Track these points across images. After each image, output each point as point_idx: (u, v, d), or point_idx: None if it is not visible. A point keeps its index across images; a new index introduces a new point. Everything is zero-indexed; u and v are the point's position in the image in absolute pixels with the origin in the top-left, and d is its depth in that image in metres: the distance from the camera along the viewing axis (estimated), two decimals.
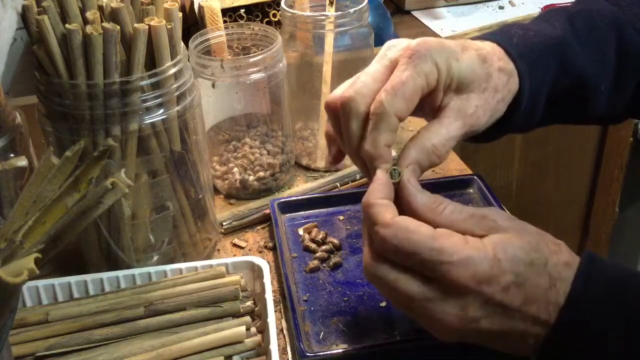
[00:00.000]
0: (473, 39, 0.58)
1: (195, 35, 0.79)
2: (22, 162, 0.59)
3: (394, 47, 0.54)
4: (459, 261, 0.44)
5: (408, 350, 0.57)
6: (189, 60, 0.67)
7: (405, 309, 0.48)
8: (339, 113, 0.53)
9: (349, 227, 0.74)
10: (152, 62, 0.59)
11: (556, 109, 0.62)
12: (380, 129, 0.50)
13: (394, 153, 0.85)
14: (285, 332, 0.63)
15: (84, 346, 0.56)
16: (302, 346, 0.56)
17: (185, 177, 0.66)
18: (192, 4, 1.05)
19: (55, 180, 0.47)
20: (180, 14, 0.61)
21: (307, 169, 0.88)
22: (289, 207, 0.76)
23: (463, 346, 0.51)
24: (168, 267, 0.63)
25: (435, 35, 1.30)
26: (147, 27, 0.57)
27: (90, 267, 0.68)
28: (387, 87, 0.50)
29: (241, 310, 0.59)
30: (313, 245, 0.70)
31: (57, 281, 0.62)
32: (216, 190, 0.83)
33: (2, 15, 1.11)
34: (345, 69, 0.83)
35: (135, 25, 0.57)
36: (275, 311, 0.62)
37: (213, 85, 0.77)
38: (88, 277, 0.62)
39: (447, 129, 0.52)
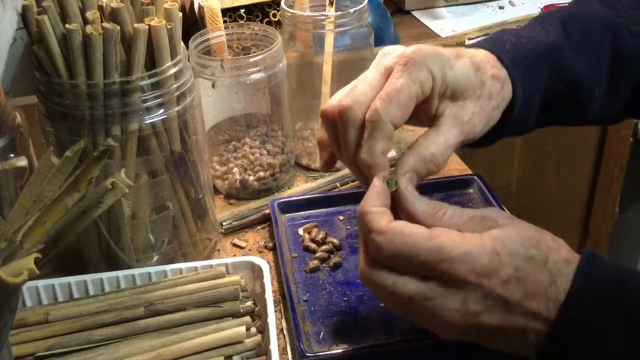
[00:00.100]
0: (466, 47, 0.58)
1: (195, 35, 0.79)
2: (22, 162, 0.59)
3: (389, 54, 0.54)
4: (459, 256, 0.44)
5: (408, 350, 0.57)
6: (189, 60, 0.67)
7: (404, 311, 0.48)
8: (337, 122, 0.53)
9: (349, 227, 0.74)
10: (152, 62, 0.59)
11: (550, 113, 0.62)
12: (376, 136, 0.50)
13: (394, 153, 0.86)
14: (285, 332, 0.63)
15: (84, 346, 0.56)
16: (302, 346, 0.56)
17: (185, 177, 0.66)
18: (192, 4, 1.05)
19: (55, 180, 0.47)
20: (180, 14, 0.61)
21: (307, 169, 0.88)
22: (289, 207, 0.76)
23: (463, 346, 0.51)
24: (168, 267, 0.63)
25: (435, 35, 1.30)
26: (147, 27, 0.57)
27: (90, 267, 0.68)
28: (381, 94, 0.51)
29: (241, 310, 0.59)
30: (313, 245, 0.70)
31: (57, 281, 0.62)
32: (216, 190, 0.83)
33: (2, 15, 1.11)
34: (345, 69, 0.84)
35: (135, 25, 0.57)
36: (275, 311, 0.62)
37: (213, 85, 0.77)
38: (88, 277, 0.62)
39: (445, 136, 0.52)
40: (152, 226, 0.66)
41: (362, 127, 0.51)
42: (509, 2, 1.44)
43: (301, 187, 0.84)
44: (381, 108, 0.50)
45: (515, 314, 0.45)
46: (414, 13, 1.41)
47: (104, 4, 0.58)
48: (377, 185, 0.50)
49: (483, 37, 0.62)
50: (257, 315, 0.61)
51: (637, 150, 1.48)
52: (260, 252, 0.73)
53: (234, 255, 0.73)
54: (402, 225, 0.46)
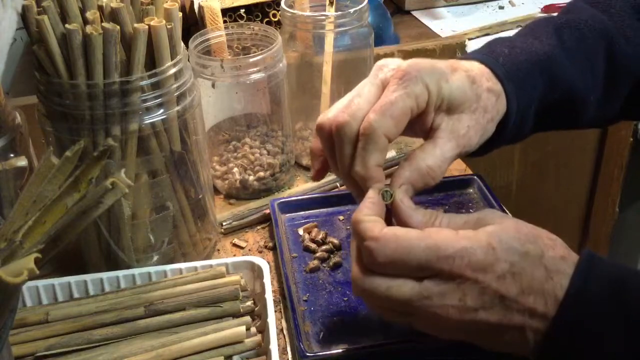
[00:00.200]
0: (460, 58, 0.58)
1: (195, 35, 0.79)
2: (22, 162, 0.59)
3: (385, 66, 0.54)
4: (455, 252, 0.45)
5: (408, 350, 0.57)
6: (189, 60, 0.67)
7: (400, 317, 0.48)
8: (333, 135, 0.53)
9: (349, 227, 0.74)
10: (152, 62, 0.59)
11: (546, 121, 0.62)
12: (369, 149, 0.51)
13: (393, 153, 0.86)
14: (285, 332, 0.63)
15: (84, 346, 0.56)
16: (302, 346, 0.56)
17: (185, 177, 0.66)
18: (192, 4, 1.05)
19: (55, 180, 0.47)
20: (180, 14, 0.61)
21: (307, 169, 0.88)
22: (289, 207, 0.76)
23: (463, 347, 0.51)
24: (168, 267, 0.63)
25: (435, 35, 1.30)
26: (147, 27, 0.57)
27: (90, 267, 0.68)
28: (375, 107, 0.51)
29: (241, 310, 0.59)
30: (313, 245, 0.70)
31: (57, 281, 0.62)
32: (216, 190, 0.83)
33: (2, 15, 1.11)
34: (345, 69, 0.84)
35: (135, 25, 0.57)
36: (275, 311, 0.62)
37: (213, 85, 0.77)
38: (88, 277, 0.62)
39: (442, 149, 0.52)
40: (152, 226, 0.66)
41: (357, 141, 0.52)
42: (509, 2, 1.44)
43: (301, 187, 0.84)
44: (375, 121, 0.50)
45: (512, 311, 0.45)
46: (414, 13, 1.41)
47: (104, 4, 0.58)
48: (372, 196, 0.50)
49: (476, 49, 0.62)
50: (257, 315, 0.61)
51: (637, 150, 1.47)
52: (260, 252, 0.73)
53: (234, 255, 0.73)
54: (395, 230, 0.47)
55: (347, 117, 0.51)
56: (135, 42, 0.57)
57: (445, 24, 1.35)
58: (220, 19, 0.90)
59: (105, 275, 0.62)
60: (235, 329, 0.57)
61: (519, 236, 0.46)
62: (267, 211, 0.77)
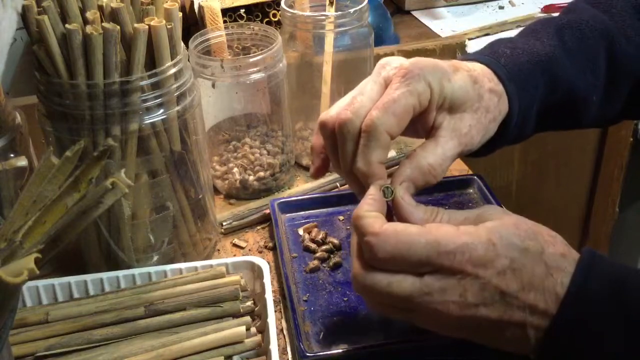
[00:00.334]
0: (462, 59, 0.58)
1: (195, 35, 0.79)
2: (22, 162, 0.59)
3: (388, 65, 0.54)
4: (455, 248, 0.45)
5: (408, 350, 0.57)
6: (189, 60, 0.67)
7: (400, 313, 0.48)
8: (336, 133, 0.53)
9: (349, 227, 0.74)
10: (152, 62, 0.59)
11: (547, 121, 0.62)
12: (372, 146, 0.51)
13: (393, 153, 0.86)
14: (285, 332, 0.63)
15: (84, 346, 0.56)
16: (302, 346, 0.56)
17: (185, 177, 0.66)
18: (192, 4, 1.05)
19: (55, 180, 0.47)
20: (180, 14, 0.61)
21: (307, 169, 0.88)
22: (289, 207, 0.76)
23: (463, 346, 0.51)
24: (168, 267, 0.63)
25: (435, 35, 1.30)
26: (147, 27, 0.57)
27: (90, 267, 0.68)
28: (378, 104, 0.51)
29: (241, 310, 0.59)
30: (313, 245, 0.70)
31: (57, 281, 0.62)
32: (216, 190, 0.83)
33: (2, 15, 1.11)
34: (345, 69, 0.84)
35: (135, 25, 0.57)
36: (275, 311, 0.62)
37: (213, 85, 0.77)
38: (88, 277, 0.62)
39: (443, 148, 0.52)
40: (152, 226, 0.66)
41: (359, 138, 0.52)
42: (509, 2, 1.44)
43: (301, 187, 0.84)
44: (377, 118, 0.50)
45: (512, 307, 0.45)
46: (414, 13, 1.41)
47: (104, 4, 0.58)
48: (373, 193, 0.50)
49: (478, 50, 0.62)
50: (257, 315, 0.61)
51: (637, 150, 1.47)
52: (260, 252, 0.73)
53: (234, 255, 0.73)
54: (395, 225, 0.47)
55: (350, 115, 0.51)
56: (135, 42, 0.57)
57: (445, 24, 1.35)
58: (220, 19, 0.90)
59: (105, 275, 0.62)
60: (235, 329, 0.57)
61: (519, 232, 0.46)
62: (267, 211, 0.77)
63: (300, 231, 0.73)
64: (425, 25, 1.36)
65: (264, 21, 1.03)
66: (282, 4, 0.82)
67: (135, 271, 0.63)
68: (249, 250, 0.74)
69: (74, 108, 0.58)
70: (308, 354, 0.55)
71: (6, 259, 0.42)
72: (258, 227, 0.78)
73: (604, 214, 1.51)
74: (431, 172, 0.51)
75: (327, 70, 0.82)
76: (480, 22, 1.34)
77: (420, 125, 0.54)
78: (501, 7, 1.42)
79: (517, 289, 0.45)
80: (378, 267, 0.46)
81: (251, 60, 0.75)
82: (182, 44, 0.63)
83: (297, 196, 0.78)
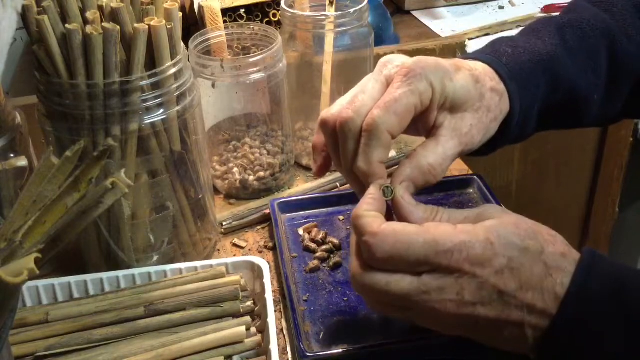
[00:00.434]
0: (463, 57, 0.58)
1: (195, 35, 0.79)
2: (22, 162, 0.59)
3: (390, 63, 0.54)
4: (453, 247, 0.45)
5: (408, 350, 0.57)
6: (189, 60, 0.67)
7: (399, 312, 0.48)
8: (337, 131, 0.53)
9: (349, 227, 0.74)
10: (152, 62, 0.59)
11: (548, 121, 0.62)
12: (373, 145, 0.50)
13: (393, 153, 0.86)
14: (285, 332, 0.63)
15: (84, 346, 0.56)
16: (302, 346, 0.56)
17: (185, 177, 0.66)
18: (192, 4, 1.05)
19: (55, 180, 0.47)
20: (180, 14, 0.61)
21: (307, 169, 0.88)
22: (289, 207, 0.76)
23: (463, 346, 0.51)
24: (168, 267, 0.63)
25: (435, 35, 1.30)
26: (147, 27, 0.57)
27: (90, 267, 0.68)
28: (379, 104, 0.51)
29: (241, 310, 0.59)
30: (313, 245, 0.70)
31: (57, 281, 0.62)
32: (216, 190, 0.83)
33: (2, 15, 1.11)
34: (345, 69, 0.84)
35: (135, 25, 0.57)
36: (275, 311, 0.62)
37: (213, 85, 0.77)
38: (88, 277, 0.62)
39: (444, 147, 0.52)
40: (152, 226, 0.66)
41: (360, 137, 0.52)
42: (509, 2, 1.44)
43: (301, 187, 0.84)
44: (378, 117, 0.50)
45: (510, 306, 0.45)
46: (414, 13, 1.41)
47: (104, 4, 0.58)
48: (373, 193, 0.50)
49: (479, 48, 0.62)
50: (257, 315, 0.61)
51: (637, 150, 1.47)
52: (260, 252, 0.73)
53: (234, 255, 0.73)
54: (394, 225, 0.47)
55: (351, 113, 0.51)
56: (135, 42, 0.57)
57: (445, 24, 1.35)
58: (220, 19, 0.90)
59: (105, 275, 0.62)
60: (235, 329, 0.57)
61: (519, 232, 0.46)
62: (267, 211, 0.77)
63: (300, 231, 0.73)
64: (425, 25, 1.36)
65: (264, 21, 1.03)
66: (282, 4, 0.82)
67: (135, 271, 0.63)
68: (249, 250, 0.74)
69: (74, 108, 0.58)
70: (308, 354, 0.55)
71: (6, 259, 0.42)
72: (258, 227, 0.78)
73: (604, 214, 1.51)
74: (431, 171, 0.51)
75: (327, 70, 0.82)
76: (480, 22, 1.34)
77: (421, 124, 0.54)
78: (501, 7, 1.43)
79: (515, 288, 0.45)
80: (377, 267, 0.46)
81: (251, 60, 0.75)
82: (182, 44, 0.63)
83: (297, 196, 0.78)
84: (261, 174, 0.81)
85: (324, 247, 0.70)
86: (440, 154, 0.52)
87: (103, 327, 0.57)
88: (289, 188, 0.84)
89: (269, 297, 0.59)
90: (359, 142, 0.52)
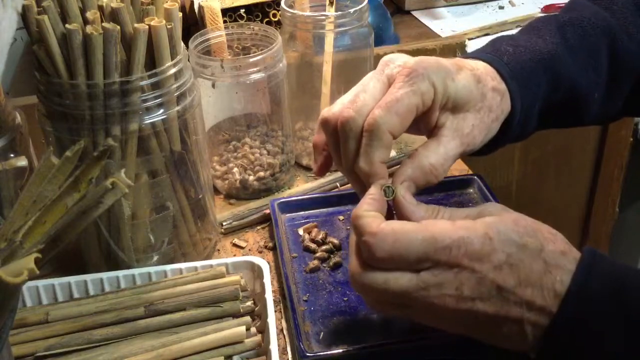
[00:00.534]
0: (465, 57, 0.58)
1: (195, 35, 0.79)
2: (22, 162, 0.59)
3: (392, 62, 0.54)
4: (452, 242, 0.45)
5: (408, 350, 0.57)
6: (189, 60, 0.67)
7: (398, 310, 0.48)
8: (338, 131, 0.53)
9: (349, 227, 0.74)
10: (152, 62, 0.59)
11: (549, 119, 0.62)
12: (374, 145, 0.50)
13: (393, 153, 0.86)
14: (285, 332, 0.63)
15: (84, 346, 0.56)
16: (302, 346, 0.56)
17: (185, 177, 0.66)
18: (192, 4, 1.05)
19: (55, 180, 0.47)
20: (180, 14, 0.61)
21: (307, 169, 0.88)
22: (289, 207, 0.76)
23: (463, 345, 0.51)
24: (168, 267, 0.63)
25: (435, 35, 1.30)
26: (147, 27, 0.57)
27: (90, 267, 0.68)
28: (381, 103, 0.51)
29: (241, 310, 0.59)
30: (313, 245, 0.70)
31: (57, 281, 0.62)
32: (216, 190, 0.83)
33: (2, 15, 1.11)
34: (345, 69, 0.84)
35: (135, 25, 0.57)
36: (275, 311, 0.62)
37: (213, 85, 0.77)
38: (88, 277, 0.62)
39: (445, 147, 0.52)
40: (152, 226, 0.66)
41: (362, 136, 0.52)
42: (509, 2, 1.44)
43: (301, 187, 0.84)
44: (380, 117, 0.50)
45: (509, 302, 0.45)
46: (414, 13, 1.41)
47: (104, 4, 0.58)
48: (374, 193, 0.50)
49: (480, 47, 0.62)
50: (257, 315, 0.61)
51: (637, 150, 1.47)
52: (260, 252, 0.73)
53: (234, 255, 0.73)
54: (392, 224, 0.47)
55: (353, 113, 0.51)
56: (135, 42, 0.57)
57: (445, 24, 1.35)
58: (220, 19, 0.90)
59: (105, 275, 0.62)
60: (235, 329, 0.57)
61: (518, 229, 0.46)
62: (267, 211, 0.77)
63: (300, 231, 0.73)
64: (425, 25, 1.36)
65: (264, 21, 1.03)
66: (282, 4, 0.82)
67: (135, 271, 0.63)
68: (249, 250, 0.74)
69: (74, 108, 0.58)
70: (308, 354, 0.55)
71: (6, 259, 0.42)
72: (258, 227, 0.78)
73: (604, 214, 1.51)
74: (432, 171, 0.51)
75: (327, 70, 0.82)
76: (480, 22, 1.34)
77: (423, 124, 0.53)
78: (501, 7, 1.43)
79: (514, 284, 0.45)
80: (376, 266, 0.46)
81: (251, 60, 0.75)
82: (182, 44, 0.63)
83: (297, 196, 0.78)
84: (261, 174, 0.81)
85: (324, 247, 0.70)
86: (441, 154, 0.52)
87: (103, 327, 0.57)
88: (289, 188, 0.84)
89: (269, 297, 0.59)
90: (360, 142, 0.51)
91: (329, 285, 0.66)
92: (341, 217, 0.76)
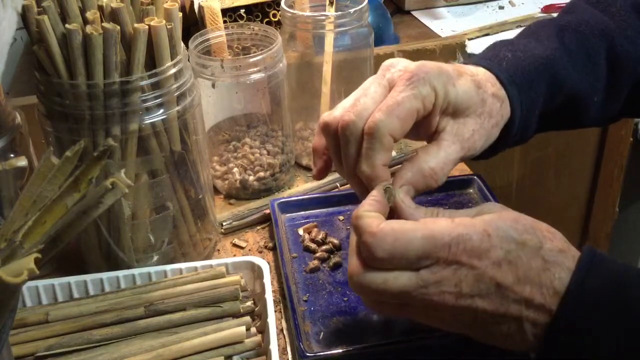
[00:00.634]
0: (464, 63, 0.58)
1: (195, 35, 0.79)
2: (22, 162, 0.59)
3: (393, 67, 0.54)
4: (451, 240, 0.45)
5: (408, 350, 0.57)
6: (189, 60, 0.67)
7: (397, 310, 0.48)
8: (339, 134, 0.53)
9: (349, 227, 0.74)
10: (152, 62, 0.59)
11: (549, 123, 0.63)
12: (375, 148, 0.51)
13: (394, 153, 0.86)
14: (285, 332, 0.63)
15: (84, 346, 0.56)
16: (302, 346, 0.56)
17: (185, 177, 0.66)
18: (192, 4, 1.05)
19: (55, 180, 0.47)
20: (180, 14, 0.61)
21: (307, 169, 0.88)
22: (289, 207, 0.76)
23: (463, 346, 0.51)
24: (168, 267, 0.63)
25: (435, 35, 1.30)
26: (147, 27, 0.57)
27: (90, 267, 0.68)
28: (382, 107, 0.51)
29: (241, 310, 0.59)
30: (313, 245, 0.70)
31: (57, 281, 0.62)
32: (216, 190, 0.83)
33: (2, 15, 1.11)
34: (345, 69, 0.84)
35: (135, 25, 0.57)
36: (275, 311, 0.62)
37: (213, 85, 0.77)
38: (88, 277, 0.62)
39: (446, 152, 0.52)
40: (152, 226, 0.66)
41: (362, 140, 0.52)
42: (509, 2, 1.44)
43: (301, 187, 0.84)
44: (380, 120, 0.50)
45: (508, 299, 0.45)
46: (414, 13, 1.41)
47: (104, 4, 0.58)
48: (376, 195, 0.50)
49: (480, 53, 0.62)
50: (257, 315, 0.61)
51: (637, 150, 1.47)
52: (260, 252, 0.73)
53: (234, 255, 0.73)
54: (392, 223, 0.47)
55: (353, 116, 0.52)
56: (135, 42, 0.57)
57: (445, 24, 1.35)
58: (220, 19, 0.90)
59: (105, 275, 0.62)
60: (235, 329, 0.57)
61: (517, 226, 0.46)
62: (267, 211, 0.77)
63: (300, 231, 0.73)
64: (425, 25, 1.36)
65: (264, 21, 1.03)
66: (282, 4, 0.82)
67: (135, 271, 0.63)
68: (249, 250, 0.74)
69: (74, 108, 0.58)
70: (308, 354, 0.55)
71: (6, 259, 0.42)
72: (258, 227, 0.78)
73: (604, 214, 1.51)
74: (432, 176, 0.52)
75: (327, 70, 0.82)
76: (480, 22, 1.34)
77: (423, 128, 0.54)
78: (501, 7, 1.42)
79: (513, 281, 0.45)
80: (376, 266, 0.46)
81: (251, 60, 0.75)
82: (182, 44, 0.63)
83: (297, 196, 0.78)
84: (261, 174, 0.81)
85: (324, 247, 0.70)
86: (442, 159, 0.52)
87: (103, 327, 0.57)
88: (289, 188, 0.84)
89: (269, 297, 0.59)
90: (361, 145, 0.52)
91: (329, 285, 0.66)
92: (341, 217, 0.76)
